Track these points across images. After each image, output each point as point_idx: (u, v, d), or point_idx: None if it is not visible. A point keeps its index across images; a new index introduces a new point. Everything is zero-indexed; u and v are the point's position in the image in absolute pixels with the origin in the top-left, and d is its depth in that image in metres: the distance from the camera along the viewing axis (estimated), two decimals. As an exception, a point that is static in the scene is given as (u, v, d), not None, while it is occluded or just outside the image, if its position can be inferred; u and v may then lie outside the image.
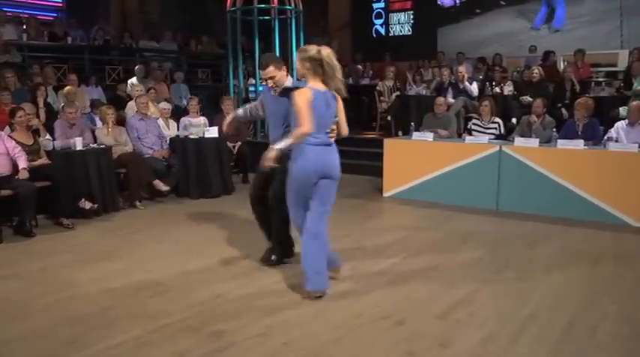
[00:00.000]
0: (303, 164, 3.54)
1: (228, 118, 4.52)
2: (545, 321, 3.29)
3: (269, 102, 4.08)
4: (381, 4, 13.88)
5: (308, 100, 3.46)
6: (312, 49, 3.53)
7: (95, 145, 6.17)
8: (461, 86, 8.71)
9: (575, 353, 2.91)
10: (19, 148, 5.34)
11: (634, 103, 6.36)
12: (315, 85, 3.53)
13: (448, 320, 3.30)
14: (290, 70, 9.25)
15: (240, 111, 4.48)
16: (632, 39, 10.39)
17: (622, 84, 8.49)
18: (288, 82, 3.97)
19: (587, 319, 3.31)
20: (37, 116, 6.78)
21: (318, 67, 3.50)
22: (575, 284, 3.91)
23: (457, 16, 12.89)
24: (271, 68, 3.86)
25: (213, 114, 8.48)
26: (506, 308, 3.47)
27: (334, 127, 3.68)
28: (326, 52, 3.51)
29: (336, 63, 3.51)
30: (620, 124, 6.24)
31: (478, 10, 12.64)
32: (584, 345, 2.99)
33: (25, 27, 10.18)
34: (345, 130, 3.78)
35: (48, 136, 6.26)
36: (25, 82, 8.12)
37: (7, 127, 5.86)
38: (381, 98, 9.93)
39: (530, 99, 7.49)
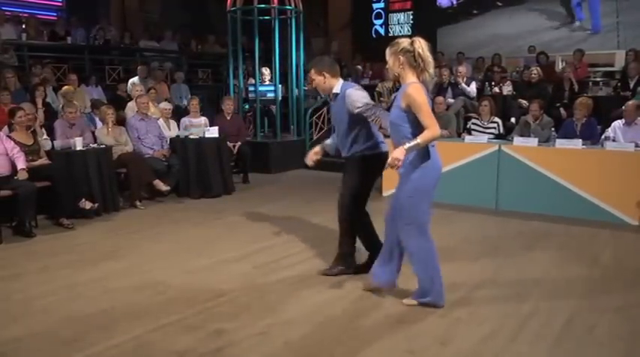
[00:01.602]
0: (437, 170, 3.30)
1: (317, 149, 4.16)
2: (545, 319, 3.30)
3: (331, 109, 4.16)
4: (381, 5, 13.87)
5: (426, 96, 3.17)
6: (404, 42, 3.25)
7: (95, 145, 6.17)
8: (459, 87, 8.74)
9: (574, 350, 2.93)
10: (18, 148, 5.34)
11: (630, 102, 6.41)
12: (416, 79, 3.24)
13: (448, 318, 3.31)
14: (288, 72, 9.46)
15: (329, 141, 4.18)
16: (628, 39, 10.44)
17: (619, 84, 8.53)
18: (337, 87, 3.86)
19: (586, 317, 3.32)
20: (35, 116, 6.78)
21: (413, 59, 3.22)
22: (573, 282, 3.93)
23: (455, 17, 12.92)
24: (311, 71, 3.91)
25: (213, 114, 8.51)
26: (505, 306, 3.49)
27: None
28: (419, 43, 3.23)
29: (428, 54, 3.24)
30: (617, 124, 6.30)
31: (475, 11, 12.68)
32: (582, 342, 3.01)
33: (24, 26, 10.14)
34: None
35: (46, 136, 6.26)
36: (25, 82, 8.12)
37: (6, 127, 5.86)
38: (381, 99, 9.94)
39: (527, 104, 7.48)
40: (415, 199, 3.29)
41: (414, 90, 3.16)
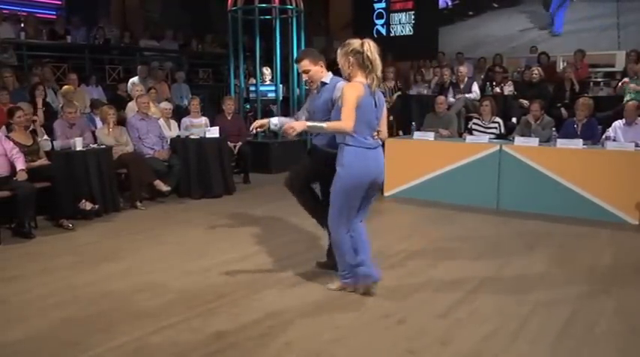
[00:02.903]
0: (364, 171, 3.35)
1: (264, 121, 4.13)
2: (545, 318, 3.31)
3: (310, 101, 4.00)
4: (382, 4, 13.87)
5: (358, 95, 3.22)
6: (356, 42, 3.30)
7: (95, 146, 6.16)
8: (469, 97, 8.70)
9: (574, 349, 2.93)
10: (17, 149, 5.30)
11: (630, 102, 6.43)
12: (364, 81, 3.30)
13: (449, 318, 3.31)
14: (290, 72, 9.43)
15: (275, 119, 4.11)
16: (629, 40, 10.47)
17: (619, 84, 8.53)
18: (327, 77, 3.82)
19: (586, 316, 3.33)
20: (35, 116, 6.76)
21: (362, 60, 3.27)
22: (573, 281, 3.93)
23: (452, 17, 12.96)
24: (306, 61, 3.75)
25: (214, 114, 8.50)
26: (506, 306, 3.49)
27: (379, 128, 3.48)
28: (368, 45, 3.27)
29: (376, 57, 3.28)
30: (618, 124, 6.33)
31: (471, 12, 12.71)
32: (582, 341, 3.02)
33: (23, 25, 10.08)
34: (385, 133, 3.59)
35: (46, 137, 6.24)
36: (24, 81, 8.10)
37: (4, 127, 5.84)
38: (383, 98, 9.96)
39: (528, 104, 7.48)
40: (339, 192, 3.40)
41: (349, 87, 3.26)
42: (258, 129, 4.07)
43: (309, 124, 3.31)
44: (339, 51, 3.39)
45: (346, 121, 3.19)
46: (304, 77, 3.89)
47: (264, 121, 4.09)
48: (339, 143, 3.40)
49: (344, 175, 3.36)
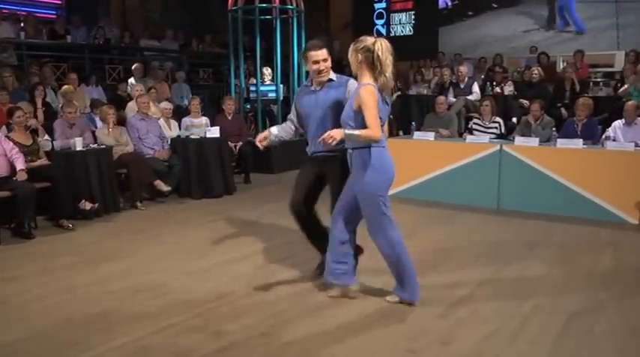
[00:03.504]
0: (388, 173, 3.35)
1: (265, 133, 4.00)
2: (545, 318, 3.31)
3: (308, 99, 3.75)
4: (383, 5, 13.89)
5: (376, 100, 3.18)
6: (369, 40, 3.22)
7: (95, 146, 6.16)
8: (470, 98, 8.71)
9: (575, 349, 2.93)
10: (17, 149, 5.30)
11: (629, 102, 6.44)
12: (372, 81, 3.23)
13: (449, 318, 3.31)
14: (290, 72, 9.43)
15: (275, 129, 4.05)
16: (628, 40, 10.49)
17: (619, 84, 8.55)
18: (331, 74, 3.69)
19: (586, 316, 3.33)
20: (35, 116, 6.77)
21: (371, 60, 3.20)
22: (574, 281, 3.93)
23: (451, 18, 12.98)
24: (325, 50, 3.59)
25: (214, 114, 8.49)
26: (506, 306, 3.49)
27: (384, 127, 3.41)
28: (379, 44, 3.19)
29: (387, 57, 3.21)
30: (618, 124, 6.35)
31: (471, 12, 12.73)
32: (582, 341, 3.02)
33: (22, 25, 10.08)
34: (386, 131, 3.53)
35: (47, 137, 6.24)
36: (23, 81, 8.09)
37: (4, 127, 5.83)
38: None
39: (528, 104, 7.48)
40: (367, 200, 3.35)
41: (366, 92, 3.19)
42: (263, 142, 3.96)
43: (347, 131, 3.22)
44: (350, 47, 3.31)
45: (375, 130, 3.16)
46: (320, 66, 3.57)
47: (266, 133, 3.98)
48: (357, 147, 3.30)
49: (379, 176, 3.31)
